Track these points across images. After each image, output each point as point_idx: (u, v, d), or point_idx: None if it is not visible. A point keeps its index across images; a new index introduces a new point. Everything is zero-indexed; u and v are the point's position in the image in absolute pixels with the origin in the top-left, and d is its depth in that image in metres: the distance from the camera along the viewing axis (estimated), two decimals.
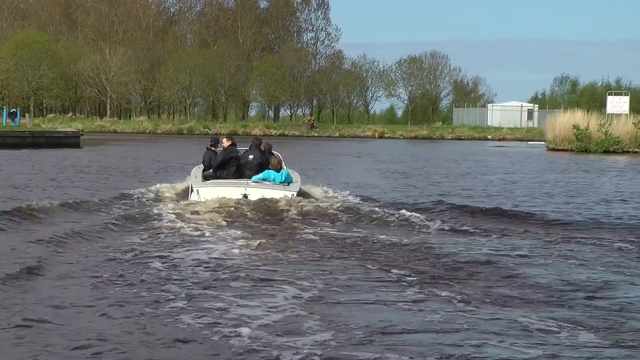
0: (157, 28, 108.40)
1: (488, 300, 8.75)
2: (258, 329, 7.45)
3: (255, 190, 16.09)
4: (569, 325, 7.81)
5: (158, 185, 19.14)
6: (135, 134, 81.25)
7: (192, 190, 16.52)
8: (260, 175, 16.56)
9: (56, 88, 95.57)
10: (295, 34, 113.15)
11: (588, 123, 51.44)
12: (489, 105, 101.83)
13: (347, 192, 18.90)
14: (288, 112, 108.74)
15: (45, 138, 47.08)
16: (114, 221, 13.85)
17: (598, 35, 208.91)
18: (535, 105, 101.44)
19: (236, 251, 11.44)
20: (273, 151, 17.94)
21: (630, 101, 62.49)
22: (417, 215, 15.18)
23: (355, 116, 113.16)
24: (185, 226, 13.57)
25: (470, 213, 16.09)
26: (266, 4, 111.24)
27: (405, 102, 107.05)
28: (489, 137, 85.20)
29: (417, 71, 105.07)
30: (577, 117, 52.80)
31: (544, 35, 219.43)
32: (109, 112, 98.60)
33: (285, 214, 14.98)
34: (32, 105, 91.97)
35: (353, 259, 11.11)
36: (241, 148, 17.85)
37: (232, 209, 15.20)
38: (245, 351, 6.86)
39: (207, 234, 12.93)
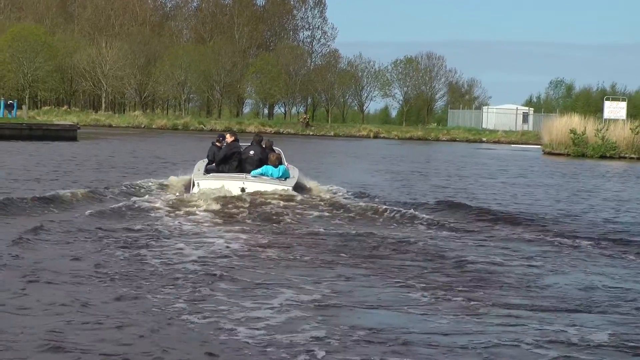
0: (153, 23, 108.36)
1: (496, 304, 8.59)
2: (258, 329, 7.34)
3: (253, 184, 16.70)
4: (584, 329, 7.71)
5: (153, 179, 19.65)
6: (131, 129, 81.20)
7: (194, 184, 16.95)
8: (259, 170, 17.13)
9: (51, 81, 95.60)
10: (291, 32, 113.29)
11: (585, 128, 51.49)
12: (484, 107, 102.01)
13: (345, 189, 19.09)
14: (282, 110, 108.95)
15: (42, 131, 46.96)
16: (113, 214, 13.99)
17: (593, 39, 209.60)
18: (531, 108, 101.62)
19: (233, 249, 11.32)
20: (274, 147, 18.47)
21: (627, 106, 62.65)
22: (422, 215, 15.16)
23: (349, 115, 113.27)
24: (182, 223, 13.53)
25: (475, 214, 16.03)
26: (263, 1, 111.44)
27: (400, 102, 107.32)
28: (484, 139, 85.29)
29: (413, 72, 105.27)
30: (574, 121, 52.81)
31: (540, 38, 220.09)
32: (104, 105, 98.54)
33: (281, 209, 15.11)
34: (27, 97, 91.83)
35: (353, 259, 10.98)
36: (244, 144, 18.26)
37: (230, 205, 15.32)
38: (245, 351, 6.76)
39: (205, 230, 12.88)
